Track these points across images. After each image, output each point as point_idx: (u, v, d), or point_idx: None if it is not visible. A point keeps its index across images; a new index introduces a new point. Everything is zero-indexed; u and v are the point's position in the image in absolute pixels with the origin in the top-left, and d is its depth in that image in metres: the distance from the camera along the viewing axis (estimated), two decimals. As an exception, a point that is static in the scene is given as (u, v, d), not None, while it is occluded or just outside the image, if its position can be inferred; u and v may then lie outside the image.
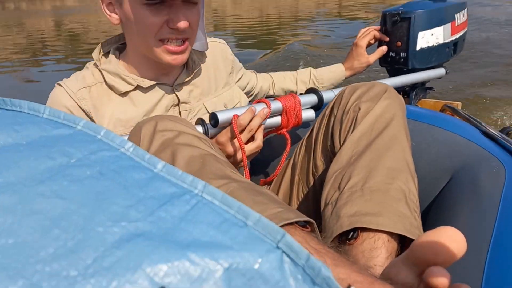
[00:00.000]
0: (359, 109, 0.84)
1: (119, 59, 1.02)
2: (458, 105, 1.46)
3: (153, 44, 0.91)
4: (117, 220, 0.27)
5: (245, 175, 0.92)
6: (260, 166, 1.34)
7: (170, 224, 0.28)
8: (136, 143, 0.69)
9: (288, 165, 1.04)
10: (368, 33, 1.35)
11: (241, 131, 0.92)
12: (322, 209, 0.75)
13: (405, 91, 1.46)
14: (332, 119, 0.90)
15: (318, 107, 1.08)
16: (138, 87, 0.98)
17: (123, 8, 0.90)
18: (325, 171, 0.90)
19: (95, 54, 1.00)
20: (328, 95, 1.09)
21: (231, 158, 0.93)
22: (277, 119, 1.01)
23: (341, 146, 0.83)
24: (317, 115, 1.30)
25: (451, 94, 3.36)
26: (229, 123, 0.92)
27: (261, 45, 6.13)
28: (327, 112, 0.93)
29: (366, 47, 1.36)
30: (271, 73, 1.33)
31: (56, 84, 0.98)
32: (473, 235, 0.71)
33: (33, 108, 0.38)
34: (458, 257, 0.28)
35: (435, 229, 0.29)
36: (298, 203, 0.97)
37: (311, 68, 1.37)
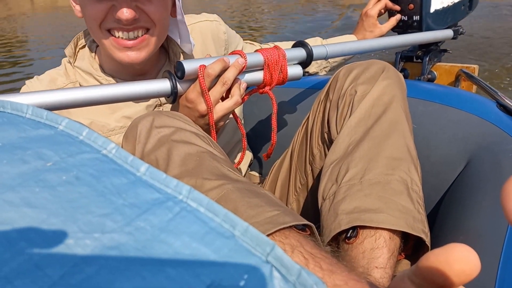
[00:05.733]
0: (356, 92, 0.79)
1: (95, 53, 0.93)
2: (475, 69, 1.38)
3: (101, 35, 0.81)
4: (90, 231, 0.25)
5: (213, 137, 0.80)
6: (256, 136, 1.30)
7: (149, 236, 0.26)
8: (133, 138, 0.67)
9: (287, 153, 0.99)
10: (379, 1, 1.29)
11: (213, 85, 0.78)
12: (319, 203, 0.72)
13: (418, 56, 1.39)
14: (328, 104, 0.85)
15: (307, 63, 0.94)
16: None
17: None
18: (322, 160, 0.86)
19: (68, 50, 0.92)
20: (319, 51, 0.95)
21: (204, 118, 0.80)
22: (258, 75, 0.87)
23: (337, 133, 0.79)
24: (310, 83, 1.23)
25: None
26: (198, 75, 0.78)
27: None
28: (323, 97, 0.89)
29: (377, 17, 1.29)
30: (278, 43, 1.22)
31: (25, 82, 0.90)
32: (489, 233, 0.67)
33: (16, 107, 0.35)
34: (470, 279, 0.25)
35: (445, 247, 0.26)
36: (296, 194, 0.94)
37: (320, 38, 1.30)
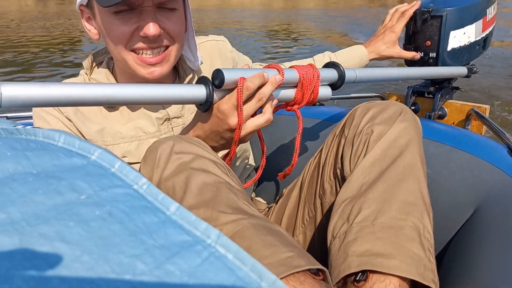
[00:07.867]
0: (372, 132, 0.78)
1: (112, 71, 0.97)
2: (486, 109, 1.37)
3: (126, 55, 0.84)
4: (121, 272, 0.25)
5: (232, 152, 0.79)
6: (276, 155, 1.29)
7: (178, 280, 0.26)
8: (152, 162, 0.67)
9: (296, 182, 0.99)
10: (402, 17, 1.25)
11: (248, 99, 0.74)
12: (328, 241, 0.71)
13: (429, 91, 1.39)
14: (343, 140, 0.85)
15: (337, 86, 0.90)
16: None
17: (97, 21, 0.85)
18: (332, 195, 0.86)
19: (85, 63, 0.96)
20: (350, 74, 0.91)
21: (232, 133, 0.76)
22: (290, 92, 0.82)
23: (351, 171, 0.78)
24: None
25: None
26: (236, 86, 0.73)
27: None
28: (338, 132, 0.88)
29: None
30: (286, 64, 1.19)
31: None
32: (498, 279, 0.66)
33: (47, 136, 0.36)
34: None
35: None
36: (303, 226, 0.93)
37: (328, 52, 1.28)
